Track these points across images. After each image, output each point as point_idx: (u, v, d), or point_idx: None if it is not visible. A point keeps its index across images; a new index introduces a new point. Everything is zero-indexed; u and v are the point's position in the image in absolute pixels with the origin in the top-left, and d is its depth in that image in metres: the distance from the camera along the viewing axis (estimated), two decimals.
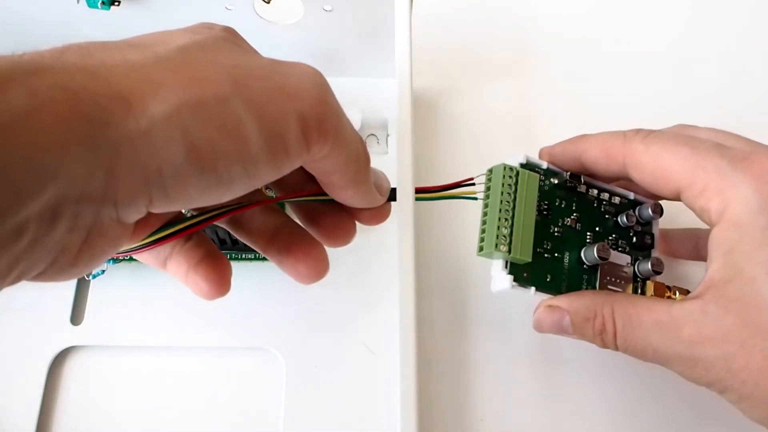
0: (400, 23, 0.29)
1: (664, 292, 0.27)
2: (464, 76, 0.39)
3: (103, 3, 0.30)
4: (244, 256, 0.31)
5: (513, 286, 0.25)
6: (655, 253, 0.29)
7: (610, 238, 0.28)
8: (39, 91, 0.13)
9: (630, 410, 0.29)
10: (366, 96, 0.35)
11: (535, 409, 0.29)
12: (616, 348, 0.24)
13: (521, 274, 0.26)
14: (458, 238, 0.33)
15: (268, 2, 0.30)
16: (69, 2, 0.30)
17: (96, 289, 0.31)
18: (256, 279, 0.31)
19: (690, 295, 0.24)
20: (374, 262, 0.32)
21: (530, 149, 0.28)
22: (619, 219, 0.28)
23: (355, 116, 0.33)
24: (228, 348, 0.30)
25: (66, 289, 0.31)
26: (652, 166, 0.24)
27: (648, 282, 0.27)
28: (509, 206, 0.26)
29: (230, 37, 0.19)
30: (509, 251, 0.25)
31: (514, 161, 0.27)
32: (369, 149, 0.37)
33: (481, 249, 0.26)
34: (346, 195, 0.22)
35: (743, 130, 0.25)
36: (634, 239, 0.28)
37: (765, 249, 0.21)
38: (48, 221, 0.14)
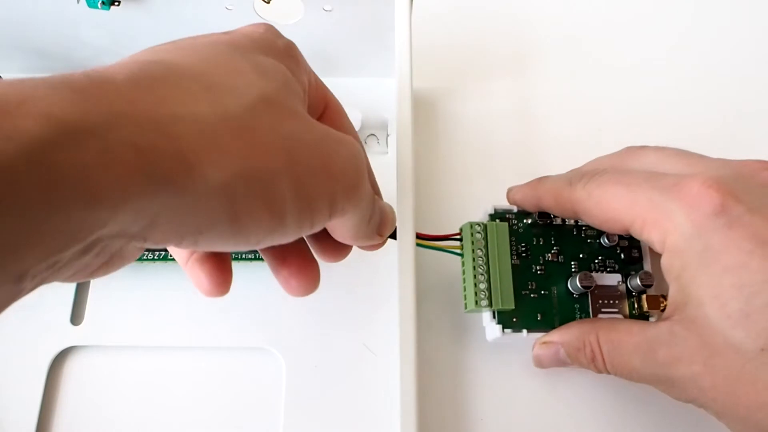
0: (400, 23, 0.29)
1: (659, 303, 0.27)
2: (464, 76, 0.39)
3: (103, 3, 0.30)
4: (244, 255, 0.31)
5: (504, 333, 0.27)
6: (646, 266, 0.29)
7: (597, 260, 0.29)
8: (112, 147, 0.13)
9: (630, 411, 0.29)
10: (366, 96, 0.35)
11: (535, 409, 0.29)
12: (608, 372, 0.25)
13: (510, 320, 0.27)
14: None
15: (268, 2, 0.30)
16: (69, 2, 0.30)
17: (96, 289, 0.31)
18: (256, 279, 0.31)
19: (663, 315, 0.24)
20: (374, 263, 0.32)
21: (529, 149, 0.28)
22: (601, 240, 0.29)
23: (355, 116, 0.33)
24: (228, 348, 0.30)
25: (66, 289, 0.31)
26: (597, 212, 0.25)
27: (643, 296, 0.28)
28: (483, 261, 0.27)
29: (295, 84, 0.19)
30: (490, 304, 0.26)
31: (482, 214, 0.28)
32: (369, 149, 0.37)
33: (466, 307, 0.27)
34: (346, 242, 0.22)
35: (743, 130, 0.25)
36: (622, 256, 0.29)
37: (704, 271, 0.22)
38: (80, 253, 0.14)
